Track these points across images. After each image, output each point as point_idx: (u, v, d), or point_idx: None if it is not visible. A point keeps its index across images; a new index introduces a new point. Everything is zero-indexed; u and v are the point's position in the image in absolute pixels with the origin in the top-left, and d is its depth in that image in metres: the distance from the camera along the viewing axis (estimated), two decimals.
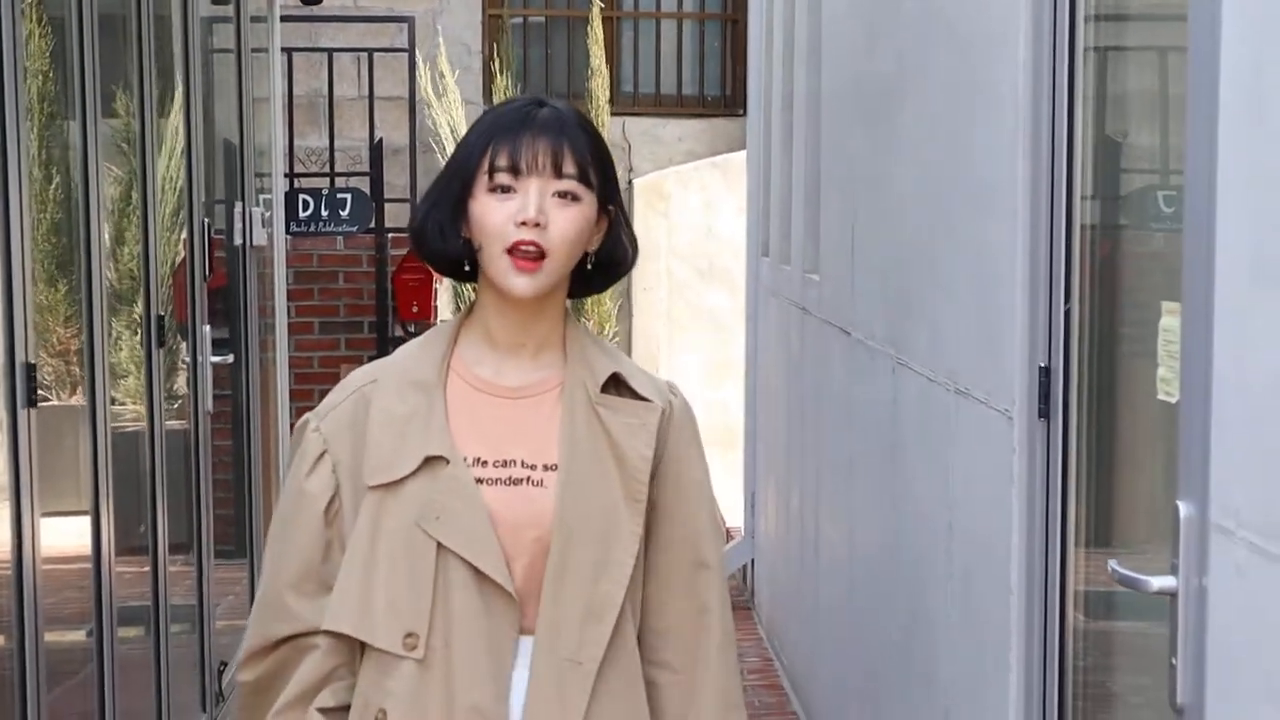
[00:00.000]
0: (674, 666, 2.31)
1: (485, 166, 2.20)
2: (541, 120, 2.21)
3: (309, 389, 8.54)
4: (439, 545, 2.19)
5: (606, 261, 2.31)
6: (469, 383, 2.28)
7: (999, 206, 3.21)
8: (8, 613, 3.60)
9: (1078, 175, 2.98)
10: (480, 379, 2.28)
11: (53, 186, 4.37)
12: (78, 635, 4.28)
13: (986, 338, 3.32)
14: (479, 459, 2.23)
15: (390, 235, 8.91)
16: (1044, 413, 3.03)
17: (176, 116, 5.50)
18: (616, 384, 2.29)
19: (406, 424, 2.22)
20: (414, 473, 2.20)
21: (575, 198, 2.21)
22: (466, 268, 2.27)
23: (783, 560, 6.44)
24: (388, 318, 8.77)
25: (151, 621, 4.90)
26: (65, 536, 4.21)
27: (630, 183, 10.81)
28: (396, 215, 9.14)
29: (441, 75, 10.27)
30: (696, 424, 2.36)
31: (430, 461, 2.21)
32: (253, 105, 6.66)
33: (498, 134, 2.21)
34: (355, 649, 2.24)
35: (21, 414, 3.56)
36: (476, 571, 2.19)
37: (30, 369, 3.57)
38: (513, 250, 2.19)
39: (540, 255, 2.19)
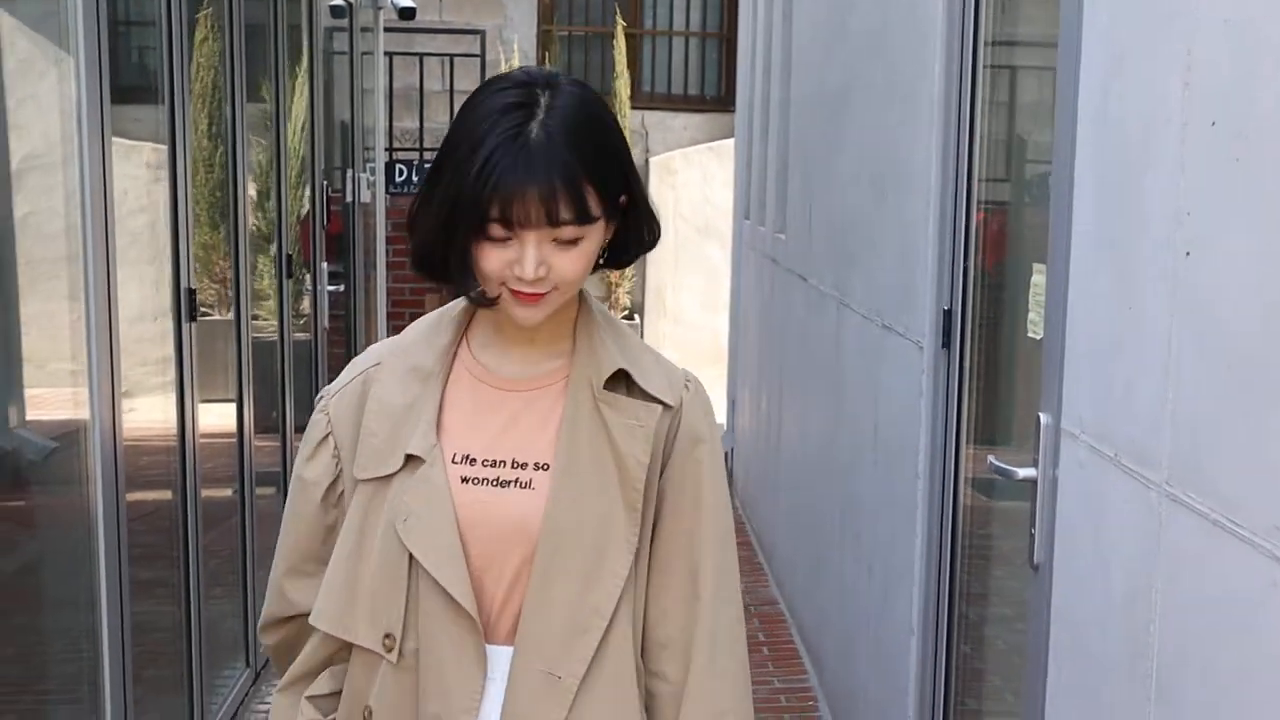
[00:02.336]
0: (669, 677, 1.62)
1: (480, 218, 1.48)
2: (533, 150, 1.46)
3: (401, 310, 8.57)
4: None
5: (619, 251, 1.60)
6: (472, 372, 1.62)
7: (917, 185, 3.21)
8: (176, 474, 3.66)
9: (977, 165, 2.99)
10: (484, 368, 1.62)
11: (218, 154, 4.38)
12: (226, 492, 4.33)
13: (906, 286, 3.33)
14: (468, 456, 1.58)
15: None
16: (945, 344, 3.04)
17: (302, 102, 5.50)
18: (626, 380, 1.62)
19: (402, 417, 1.59)
20: (399, 470, 1.58)
21: (576, 241, 1.51)
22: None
23: (753, 448, 6.48)
24: None
25: (280, 482, 4.95)
26: (218, 418, 4.25)
27: (647, 160, 10.78)
28: None
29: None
30: (712, 414, 1.67)
31: (411, 460, 1.57)
32: (362, 95, 6.65)
33: (489, 172, 1.46)
34: None
35: (185, 327, 3.59)
36: None
37: (191, 293, 3.60)
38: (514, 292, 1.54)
39: (541, 295, 1.54)
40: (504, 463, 1.58)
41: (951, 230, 3.01)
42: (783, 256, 5.54)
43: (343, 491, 1.63)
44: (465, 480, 1.57)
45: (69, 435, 3.09)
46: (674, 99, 11.35)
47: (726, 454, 7.43)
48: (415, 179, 8.29)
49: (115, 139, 2.94)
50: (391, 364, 1.63)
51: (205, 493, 3.82)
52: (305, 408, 5.38)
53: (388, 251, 7.62)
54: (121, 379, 3.07)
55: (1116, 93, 1.97)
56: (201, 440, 3.77)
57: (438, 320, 1.65)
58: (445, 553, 1.55)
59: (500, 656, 1.58)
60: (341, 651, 1.64)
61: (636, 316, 10.67)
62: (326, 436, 1.63)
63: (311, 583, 1.65)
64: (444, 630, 1.56)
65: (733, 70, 9.99)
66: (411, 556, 1.55)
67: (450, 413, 1.60)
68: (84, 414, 2.94)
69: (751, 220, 6.91)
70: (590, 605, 1.56)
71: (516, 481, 1.58)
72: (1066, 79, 2.14)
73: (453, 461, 1.58)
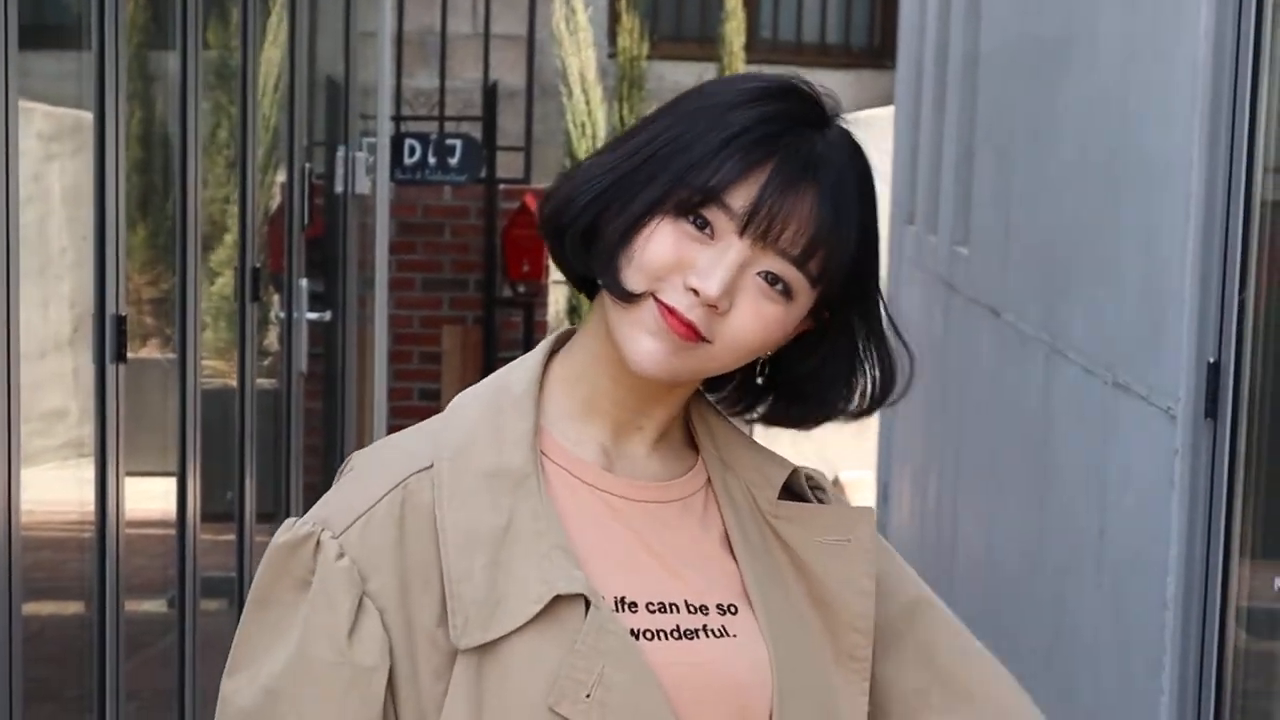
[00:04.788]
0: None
1: (704, 185, 1.49)
2: (817, 162, 1.51)
3: (408, 350, 8.63)
4: None
5: (794, 384, 1.61)
6: (575, 472, 1.57)
7: (1170, 184, 3.21)
8: (89, 577, 3.69)
9: (1260, 150, 2.97)
10: (589, 469, 1.57)
11: (134, 120, 4.43)
12: (158, 605, 4.37)
13: (1151, 327, 3.31)
14: (622, 599, 1.53)
15: (502, 187, 8.98)
16: (1211, 412, 3.02)
17: (278, 50, 5.57)
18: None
19: (501, 542, 1.50)
20: (530, 621, 1.49)
21: (789, 294, 1.52)
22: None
23: (916, 558, 6.44)
24: (495, 276, 8.86)
25: (235, 594, 4.98)
26: (149, 499, 4.29)
27: None
28: (509, 165, 9.21)
29: (573, 11, 10.30)
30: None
31: (558, 604, 1.48)
32: (359, 40, 6.73)
33: (754, 147, 1.50)
34: None
35: (110, 369, 3.64)
36: None
37: (120, 321, 3.65)
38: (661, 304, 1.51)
39: (696, 335, 1.51)
40: (674, 606, 1.54)
41: (1221, 248, 3.00)
42: (964, 280, 5.54)
43: (388, 686, 1.49)
44: (635, 634, 1.50)
45: None
46: (805, 50, 11.39)
47: None
48: (433, 161, 8.38)
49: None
50: (452, 467, 1.52)
51: (129, 605, 3.86)
52: (269, 485, 5.49)
53: (391, 265, 7.70)
54: (21, 442, 3.12)
55: None
56: (127, 531, 3.81)
57: (496, 397, 1.58)
58: None
59: None
60: None
61: None
62: (361, 596, 1.49)
63: None
64: None
65: (891, 11, 10.03)
66: None
67: (571, 534, 1.52)
68: None
69: (917, 226, 6.91)
70: None
71: (706, 630, 1.54)
72: None
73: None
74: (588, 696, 1.47)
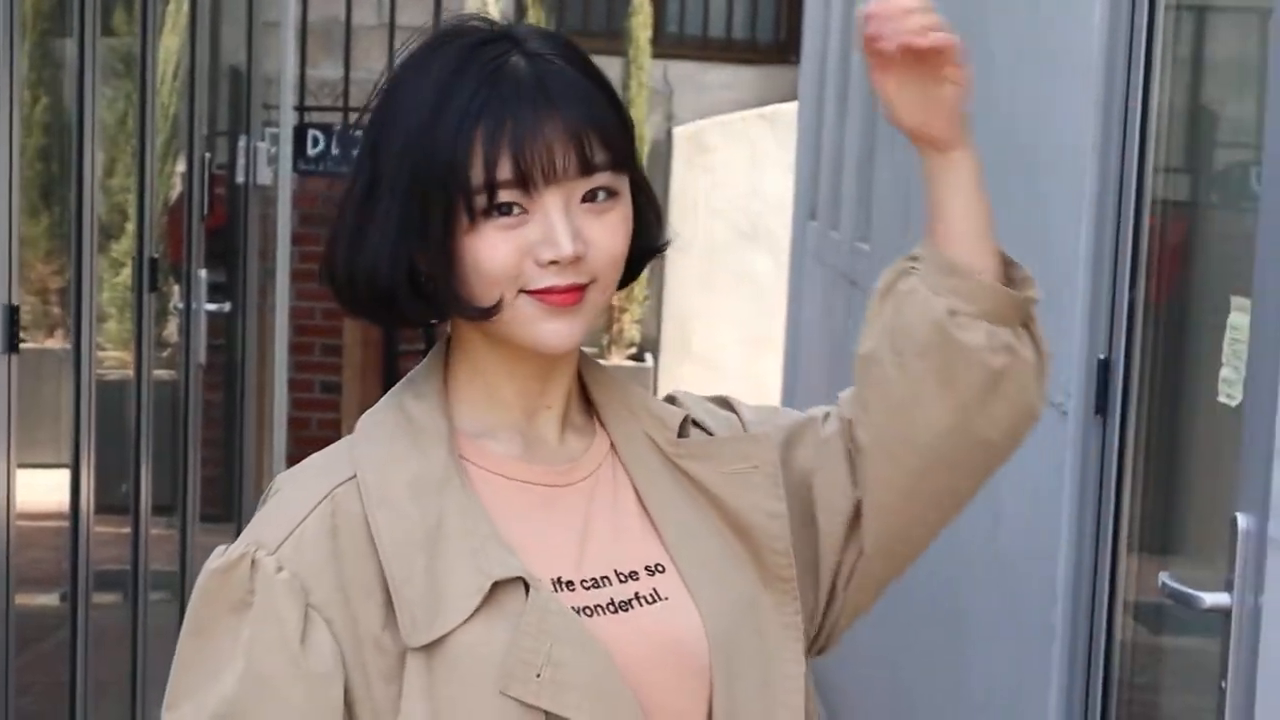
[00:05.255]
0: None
1: (476, 184, 1.51)
2: (539, 77, 1.53)
3: (309, 342, 8.56)
4: (546, 716, 1.52)
5: (639, 254, 1.64)
6: (492, 470, 1.60)
7: (1063, 182, 3.22)
8: None
9: (1151, 149, 2.99)
10: (506, 463, 1.61)
11: (39, 108, 4.39)
12: (50, 598, 4.33)
13: (1043, 324, 3.33)
14: (559, 579, 1.57)
15: None
16: (1101, 409, 3.04)
17: (177, 38, 5.54)
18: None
19: (435, 541, 1.53)
20: (475, 613, 1.52)
21: (612, 193, 1.56)
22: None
23: None
24: None
25: (130, 587, 4.95)
26: (41, 491, 4.26)
27: (670, 132, 10.82)
28: None
29: (482, 4, 10.25)
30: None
31: (499, 592, 1.52)
32: (262, 30, 6.69)
33: (484, 114, 1.51)
34: None
35: (1, 359, 3.62)
36: None
37: (13, 312, 3.63)
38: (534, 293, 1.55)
39: (581, 289, 1.55)
40: (605, 579, 1.59)
41: (1113, 246, 3.02)
42: (866, 276, 5.56)
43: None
44: (576, 612, 1.54)
45: None
46: (711, 45, 11.42)
47: None
48: (337, 152, 8.32)
49: None
50: (375, 477, 1.55)
51: (20, 598, 3.83)
52: (166, 477, 5.45)
53: (293, 255, 7.64)
54: None
55: None
56: (19, 524, 3.77)
57: (402, 412, 1.60)
58: (620, 706, 1.52)
59: None
60: None
61: (649, 356, 10.71)
62: (307, 607, 1.50)
63: None
64: None
65: (797, 7, 10.07)
66: None
67: (499, 528, 1.56)
68: None
69: (820, 222, 6.94)
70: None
71: (639, 598, 1.59)
72: None
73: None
74: (538, 676, 1.50)
